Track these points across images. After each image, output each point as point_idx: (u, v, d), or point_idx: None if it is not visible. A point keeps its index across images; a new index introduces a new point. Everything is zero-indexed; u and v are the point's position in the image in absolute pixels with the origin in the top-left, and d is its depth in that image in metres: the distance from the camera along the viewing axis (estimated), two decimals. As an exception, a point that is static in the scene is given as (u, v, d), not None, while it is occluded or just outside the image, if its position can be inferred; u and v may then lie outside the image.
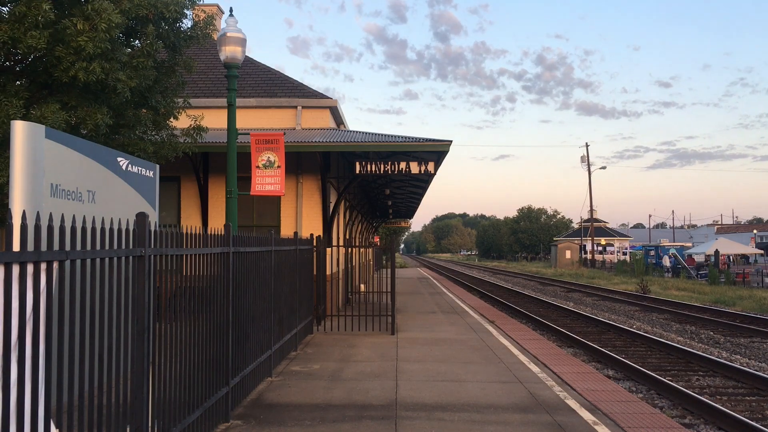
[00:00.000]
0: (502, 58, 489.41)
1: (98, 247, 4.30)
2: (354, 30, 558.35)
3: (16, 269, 3.41)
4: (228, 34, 11.32)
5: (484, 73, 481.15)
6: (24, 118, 8.15)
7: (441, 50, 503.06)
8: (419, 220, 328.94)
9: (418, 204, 33.99)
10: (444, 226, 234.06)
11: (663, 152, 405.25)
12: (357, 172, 15.22)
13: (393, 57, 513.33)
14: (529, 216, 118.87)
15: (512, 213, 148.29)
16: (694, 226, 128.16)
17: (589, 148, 69.58)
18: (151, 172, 6.66)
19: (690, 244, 69.60)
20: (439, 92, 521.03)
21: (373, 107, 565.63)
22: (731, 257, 55.70)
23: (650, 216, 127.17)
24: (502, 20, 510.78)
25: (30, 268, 3.54)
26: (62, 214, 4.10)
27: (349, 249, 22.79)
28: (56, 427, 3.81)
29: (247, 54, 11.85)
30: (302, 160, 16.90)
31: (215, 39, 13.22)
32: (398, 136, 16.08)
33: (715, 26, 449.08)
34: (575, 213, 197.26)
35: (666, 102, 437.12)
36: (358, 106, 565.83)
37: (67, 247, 3.88)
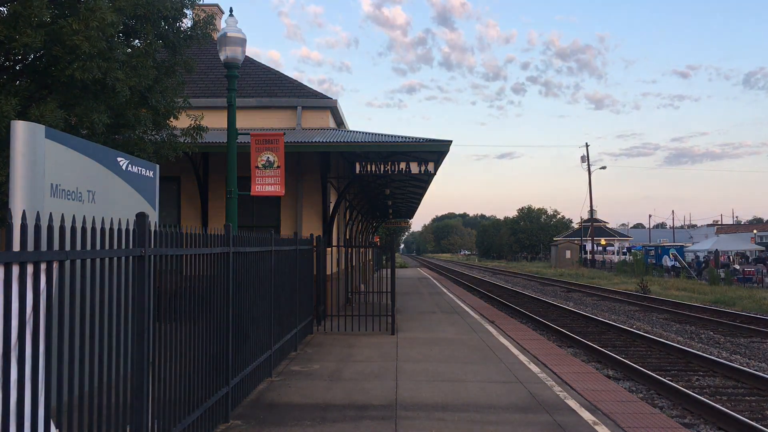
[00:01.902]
0: (510, 45, 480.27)
1: (98, 247, 4.30)
2: (351, 12, 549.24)
3: (16, 269, 3.41)
4: (228, 34, 11.32)
5: (489, 60, 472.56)
6: (22, 117, 8.15)
7: (444, 34, 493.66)
8: (419, 220, 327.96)
9: (418, 204, 33.99)
10: (444, 226, 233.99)
11: (673, 150, 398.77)
12: (357, 172, 15.22)
13: (392, 42, 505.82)
14: (529, 216, 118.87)
15: (512, 213, 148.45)
16: (693, 226, 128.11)
17: (589, 147, 69.64)
18: (151, 172, 6.66)
19: (690, 245, 69.58)
20: (441, 83, 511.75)
21: (372, 100, 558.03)
22: (731, 257, 55.71)
23: (650, 216, 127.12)
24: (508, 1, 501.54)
25: (30, 268, 3.54)
26: (62, 214, 4.10)
27: (349, 249, 22.80)
28: (56, 427, 3.81)
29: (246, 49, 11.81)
30: (302, 160, 16.90)
31: (215, 39, 13.22)
32: (398, 137, 16.08)
33: (739, 10, 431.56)
34: (575, 213, 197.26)
35: (681, 96, 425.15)
36: (357, 100, 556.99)
37: (67, 247, 3.88)
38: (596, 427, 7.28)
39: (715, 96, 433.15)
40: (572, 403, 8.34)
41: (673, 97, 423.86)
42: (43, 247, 3.72)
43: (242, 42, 11.47)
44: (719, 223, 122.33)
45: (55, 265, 3.78)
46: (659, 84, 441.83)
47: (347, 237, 24.18)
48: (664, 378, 11.56)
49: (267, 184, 12.25)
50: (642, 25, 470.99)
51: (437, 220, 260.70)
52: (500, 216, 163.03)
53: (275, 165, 12.23)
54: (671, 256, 53.37)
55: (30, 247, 3.57)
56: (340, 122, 21.02)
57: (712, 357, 13.55)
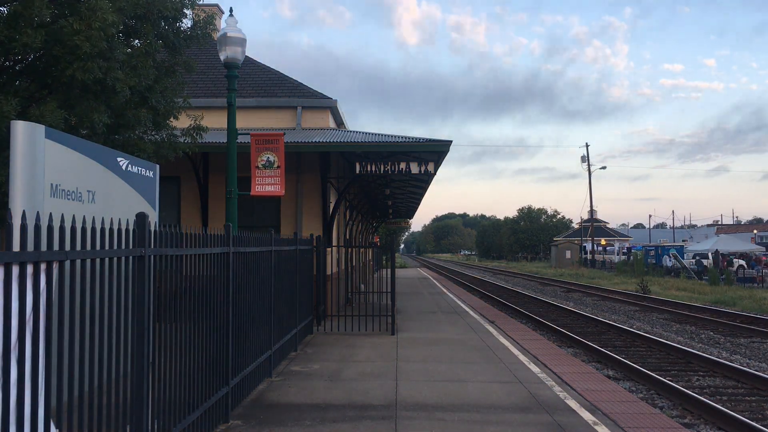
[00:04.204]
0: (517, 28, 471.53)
1: (98, 247, 4.30)
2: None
3: (16, 269, 3.41)
4: (228, 35, 11.32)
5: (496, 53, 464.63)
6: (22, 117, 8.14)
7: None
8: (419, 220, 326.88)
9: (418, 204, 33.99)
10: (444, 226, 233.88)
11: (686, 146, 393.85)
12: (357, 172, 15.22)
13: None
14: (529, 216, 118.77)
15: (512, 213, 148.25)
16: (694, 226, 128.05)
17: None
18: (151, 172, 6.67)
19: (690, 244, 69.56)
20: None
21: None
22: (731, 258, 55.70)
23: (650, 216, 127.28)
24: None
25: (30, 268, 3.54)
26: (62, 214, 4.10)
27: (349, 249, 22.80)
28: (56, 427, 3.81)
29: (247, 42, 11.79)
30: (302, 160, 16.90)
31: (215, 39, 13.22)
32: (398, 137, 16.09)
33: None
34: (575, 213, 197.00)
35: (698, 88, 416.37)
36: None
37: (67, 248, 3.88)
38: (596, 428, 7.28)
39: (744, 85, 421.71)
40: (572, 404, 8.34)
41: (693, 88, 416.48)
42: (43, 247, 3.72)
43: (242, 42, 11.47)
44: (719, 223, 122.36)
45: (55, 265, 3.78)
46: (683, 69, 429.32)
47: (347, 237, 24.18)
48: (664, 378, 11.55)
49: (267, 184, 12.25)
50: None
51: (437, 220, 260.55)
52: (500, 216, 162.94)
53: (275, 165, 12.23)
54: (671, 256, 53.37)
55: (30, 247, 3.56)
56: (340, 122, 21.02)
57: (712, 357, 13.54)
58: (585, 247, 73.64)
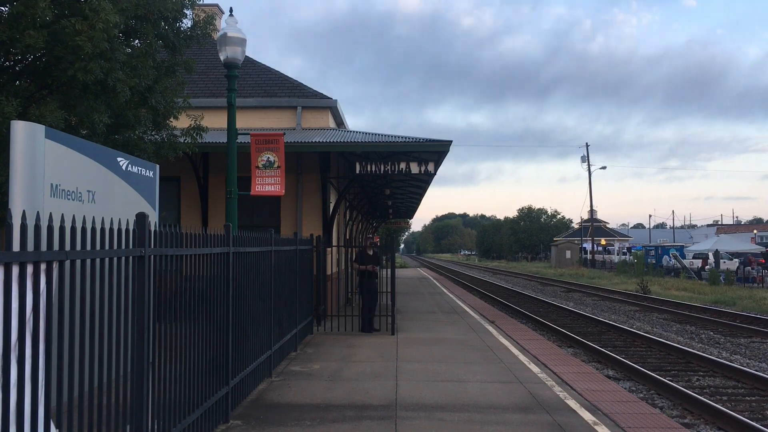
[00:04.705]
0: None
1: (98, 247, 4.30)
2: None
3: (16, 269, 3.41)
4: (228, 35, 11.32)
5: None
6: (23, 117, 8.14)
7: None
8: (419, 220, 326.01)
9: (418, 204, 33.97)
10: (444, 226, 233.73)
11: (691, 144, 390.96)
12: (357, 172, 15.22)
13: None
14: (529, 216, 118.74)
15: (512, 213, 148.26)
16: (693, 226, 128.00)
17: (589, 147, 69.57)
18: (151, 172, 6.67)
19: (690, 245, 69.51)
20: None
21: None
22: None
23: (650, 216, 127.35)
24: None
25: (30, 268, 3.54)
26: (62, 214, 4.09)
27: (349, 249, 22.80)
28: (56, 427, 3.81)
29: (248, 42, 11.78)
30: (302, 160, 16.90)
31: (215, 39, 13.21)
32: (398, 137, 16.09)
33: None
34: (575, 213, 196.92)
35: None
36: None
37: (67, 248, 3.88)
38: (596, 427, 7.28)
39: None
40: (572, 403, 8.34)
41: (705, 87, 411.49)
42: (43, 247, 3.72)
43: (242, 42, 11.46)
44: (719, 223, 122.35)
45: (55, 265, 3.78)
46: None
47: (347, 237, 24.18)
48: (664, 378, 11.55)
49: (267, 184, 12.25)
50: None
51: (437, 220, 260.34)
52: (500, 216, 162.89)
53: (275, 165, 12.23)
54: (671, 256, 53.38)
55: (30, 247, 3.56)
56: (340, 122, 21.02)
57: (712, 357, 13.55)
58: (585, 247, 73.64)
